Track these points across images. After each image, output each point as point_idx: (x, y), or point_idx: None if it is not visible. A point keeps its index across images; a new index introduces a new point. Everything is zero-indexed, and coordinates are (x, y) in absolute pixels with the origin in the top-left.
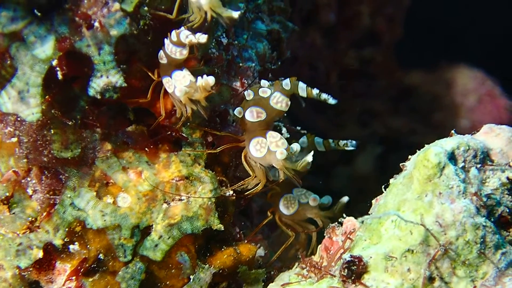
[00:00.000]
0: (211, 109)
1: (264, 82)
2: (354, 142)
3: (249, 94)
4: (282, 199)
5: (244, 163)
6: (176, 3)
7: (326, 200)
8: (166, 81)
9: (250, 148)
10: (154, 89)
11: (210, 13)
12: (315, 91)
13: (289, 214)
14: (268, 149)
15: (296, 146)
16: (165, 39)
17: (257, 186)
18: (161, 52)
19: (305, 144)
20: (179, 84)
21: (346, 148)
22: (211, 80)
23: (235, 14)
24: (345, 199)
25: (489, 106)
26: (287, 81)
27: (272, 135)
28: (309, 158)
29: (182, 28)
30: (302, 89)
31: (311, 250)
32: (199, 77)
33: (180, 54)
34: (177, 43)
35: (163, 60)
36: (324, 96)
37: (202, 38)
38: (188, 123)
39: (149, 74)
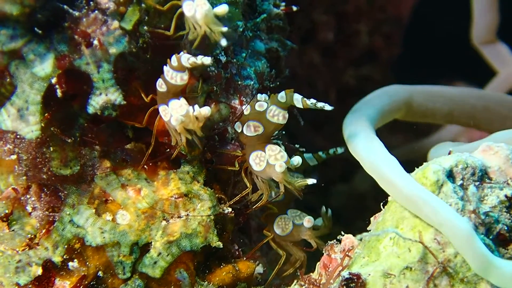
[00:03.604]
0: (210, 128)
1: (260, 96)
2: (342, 148)
3: (247, 109)
4: (277, 220)
5: (243, 176)
6: (173, 21)
7: (319, 222)
8: (162, 109)
9: (250, 162)
10: (152, 106)
11: (204, 28)
12: (310, 101)
13: (283, 235)
14: (267, 162)
15: (297, 159)
16: (164, 66)
17: (261, 199)
18: (160, 80)
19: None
20: (175, 113)
21: (336, 154)
22: (206, 111)
23: (224, 28)
24: (328, 211)
25: None
26: (283, 93)
27: (271, 149)
28: (311, 181)
29: (182, 52)
30: (297, 100)
31: (299, 268)
32: (195, 106)
33: (180, 79)
34: (178, 68)
35: (162, 88)
36: (320, 104)
37: (206, 60)
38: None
39: (142, 95)
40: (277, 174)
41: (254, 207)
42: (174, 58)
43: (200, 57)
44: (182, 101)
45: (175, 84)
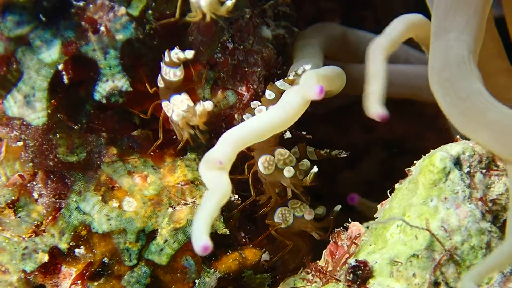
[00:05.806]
0: (217, 115)
1: (255, 103)
2: (345, 152)
3: (248, 117)
4: (277, 212)
5: (250, 180)
6: (178, 6)
7: (320, 210)
8: (165, 105)
9: (259, 165)
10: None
11: (210, 14)
12: (290, 76)
13: (284, 227)
14: (276, 167)
15: (306, 163)
16: (160, 62)
17: (270, 202)
18: (159, 76)
19: (297, 154)
20: (176, 108)
21: (338, 157)
22: (208, 105)
23: (229, 2)
24: (338, 207)
25: None
26: (269, 92)
27: (280, 153)
28: (315, 169)
29: (175, 48)
30: (282, 84)
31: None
32: (198, 104)
33: (174, 75)
34: (170, 64)
35: (161, 84)
36: (300, 71)
37: (188, 54)
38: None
39: (146, 85)
40: (285, 179)
41: (262, 211)
42: (166, 53)
43: (186, 51)
44: (184, 96)
45: (169, 80)
